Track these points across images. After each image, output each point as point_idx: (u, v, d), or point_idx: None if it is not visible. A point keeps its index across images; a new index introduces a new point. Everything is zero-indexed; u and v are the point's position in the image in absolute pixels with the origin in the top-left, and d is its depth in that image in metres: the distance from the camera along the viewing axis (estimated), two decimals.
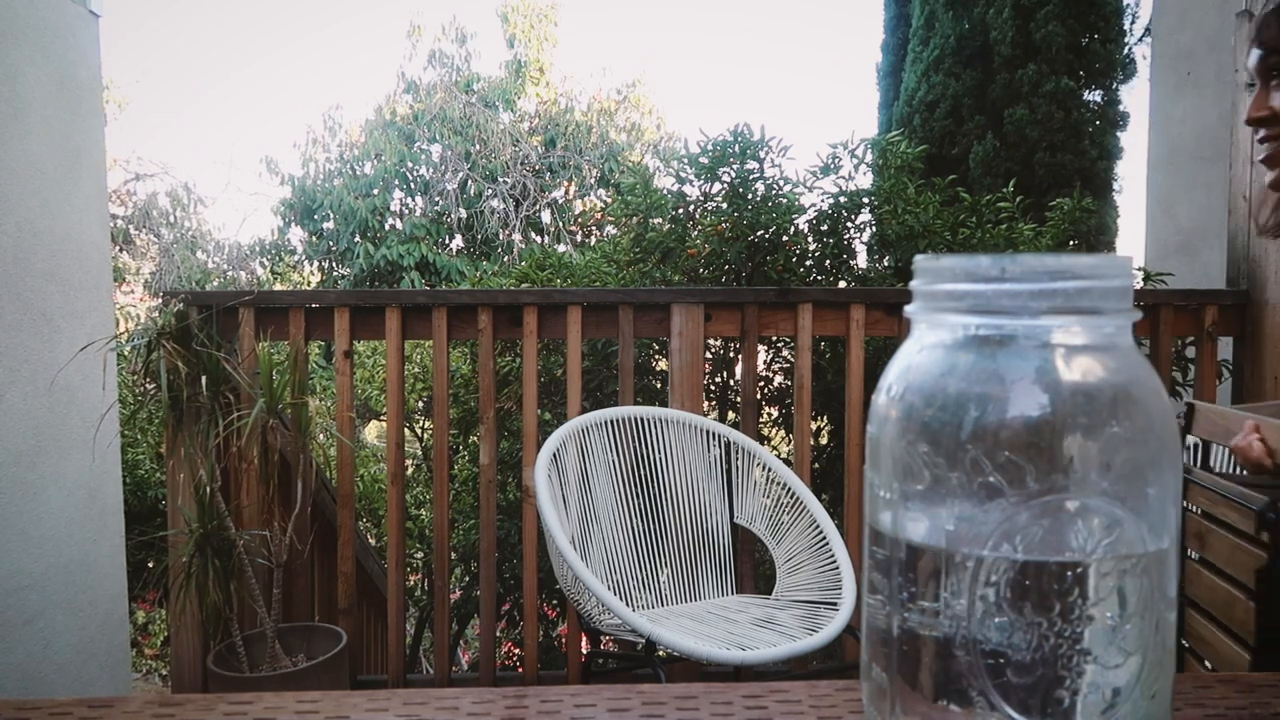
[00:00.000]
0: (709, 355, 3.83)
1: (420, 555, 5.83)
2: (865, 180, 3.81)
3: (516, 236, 11.10)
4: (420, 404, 6.09)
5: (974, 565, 0.40)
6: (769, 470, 2.46)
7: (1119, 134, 6.65)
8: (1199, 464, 1.91)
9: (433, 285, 10.18)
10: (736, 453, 2.49)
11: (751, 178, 3.63)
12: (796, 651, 1.90)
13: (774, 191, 3.65)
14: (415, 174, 11.23)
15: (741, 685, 0.58)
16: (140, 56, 27.33)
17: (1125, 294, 0.42)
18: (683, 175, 3.83)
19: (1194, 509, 1.72)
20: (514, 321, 2.70)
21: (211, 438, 2.42)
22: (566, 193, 11.38)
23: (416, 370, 5.85)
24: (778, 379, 4.10)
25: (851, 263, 3.84)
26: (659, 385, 3.95)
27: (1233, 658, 1.60)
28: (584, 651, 2.84)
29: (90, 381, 2.98)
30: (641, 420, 2.45)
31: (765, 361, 4.04)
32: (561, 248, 10.38)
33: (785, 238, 3.62)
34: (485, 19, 27.87)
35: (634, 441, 2.44)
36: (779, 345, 3.97)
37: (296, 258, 11.54)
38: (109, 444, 3.05)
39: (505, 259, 10.73)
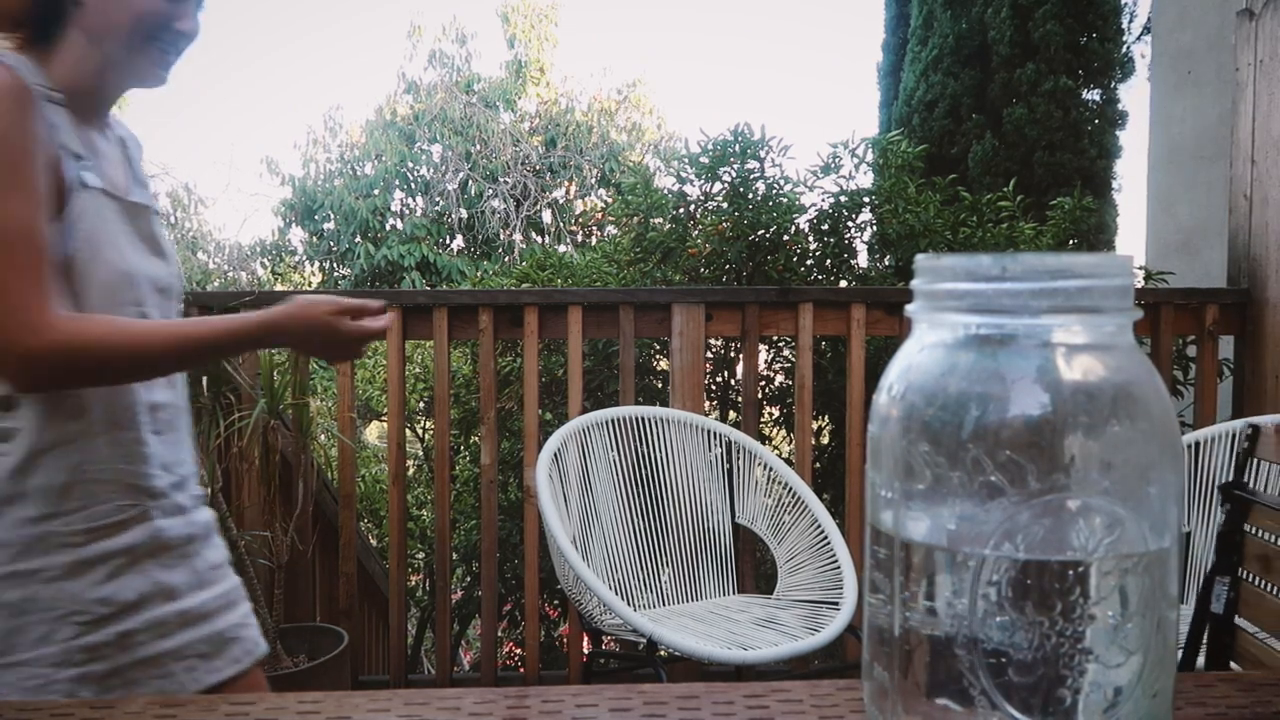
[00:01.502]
0: (710, 355, 3.83)
1: (421, 556, 5.83)
2: (866, 180, 3.81)
3: (517, 237, 11.10)
4: (421, 404, 6.10)
5: (975, 564, 0.40)
6: (770, 470, 2.46)
7: (1118, 133, 6.65)
8: (1260, 486, 1.87)
9: (433, 285, 10.18)
10: (737, 452, 2.49)
11: (752, 177, 3.63)
12: (798, 651, 1.90)
13: (774, 191, 3.65)
14: (416, 174, 11.23)
15: (743, 685, 0.58)
16: None
17: (1126, 293, 0.42)
18: (683, 175, 3.83)
19: (1253, 531, 1.69)
20: (515, 322, 2.70)
21: (212, 438, 2.42)
22: (567, 193, 11.38)
23: (417, 370, 5.86)
24: (779, 379, 4.10)
25: (852, 262, 3.84)
26: (660, 385, 3.95)
27: None
28: (585, 651, 2.84)
29: None
30: (642, 420, 2.46)
31: (766, 361, 4.04)
32: (562, 248, 10.38)
33: (786, 237, 3.62)
34: (485, 19, 27.87)
35: (635, 441, 2.44)
36: (780, 345, 3.97)
37: (297, 258, 11.55)
38: None
39: (506, 259, 10.73)
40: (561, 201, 11.30)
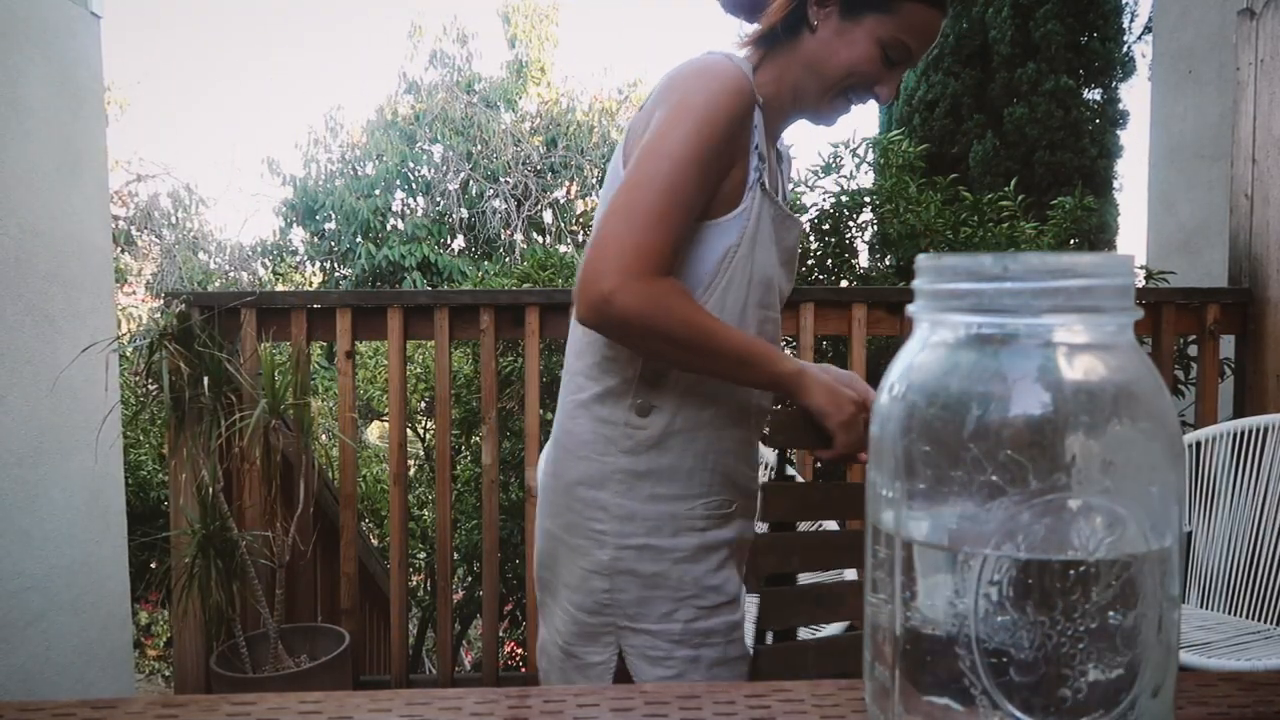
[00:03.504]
0: None
1: (423, 556, 5.84)
2: (867, 179, 3.81)
3: (518, 236, 11.10)
4: (422, 404, 6.10)
5: (976, 564, 0.40)
6: (771, 468, 2.46)
7: (1119, 132, 6.65)
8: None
9: (435, 286, 10.18)
10: None
11: None
12: None
13: None
14: (417, 174, 11.23)
15: (745, 684, 0.58)
16: (141, 57, 27.34)
17: (1127, 292, 0.42)
18: None
19: None
20: (516, 321, 2.70)
21: (214, 438, 2.42)
22: (568, 192, 11.38)
23: (418, 371, 5.86)
24: None
25: (853, 262, 3.84)
26: None
27: None
28: None
29: (92, 382, 2.98)
30: None
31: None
32: (563, 248, 10.37)
33: None
34: (486, 19, 27.86)
35: None
36: (781, 344, 3.97)
37: (298, 258, 11.55)
38: (111, 445, 3.05)
39: (507, 259, 10.73)
40: (563, 201, 11.30)
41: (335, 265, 11.18)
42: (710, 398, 1.14)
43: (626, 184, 1.05)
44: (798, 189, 3.66)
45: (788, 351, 3.97)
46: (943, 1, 1.13)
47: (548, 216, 11.37)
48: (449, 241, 11.30)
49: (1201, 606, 2.39)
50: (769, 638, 1.28)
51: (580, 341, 1.18)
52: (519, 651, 5.74)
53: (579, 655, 1.18)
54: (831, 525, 2.29)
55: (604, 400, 1.15)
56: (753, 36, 1.16)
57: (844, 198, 3.69)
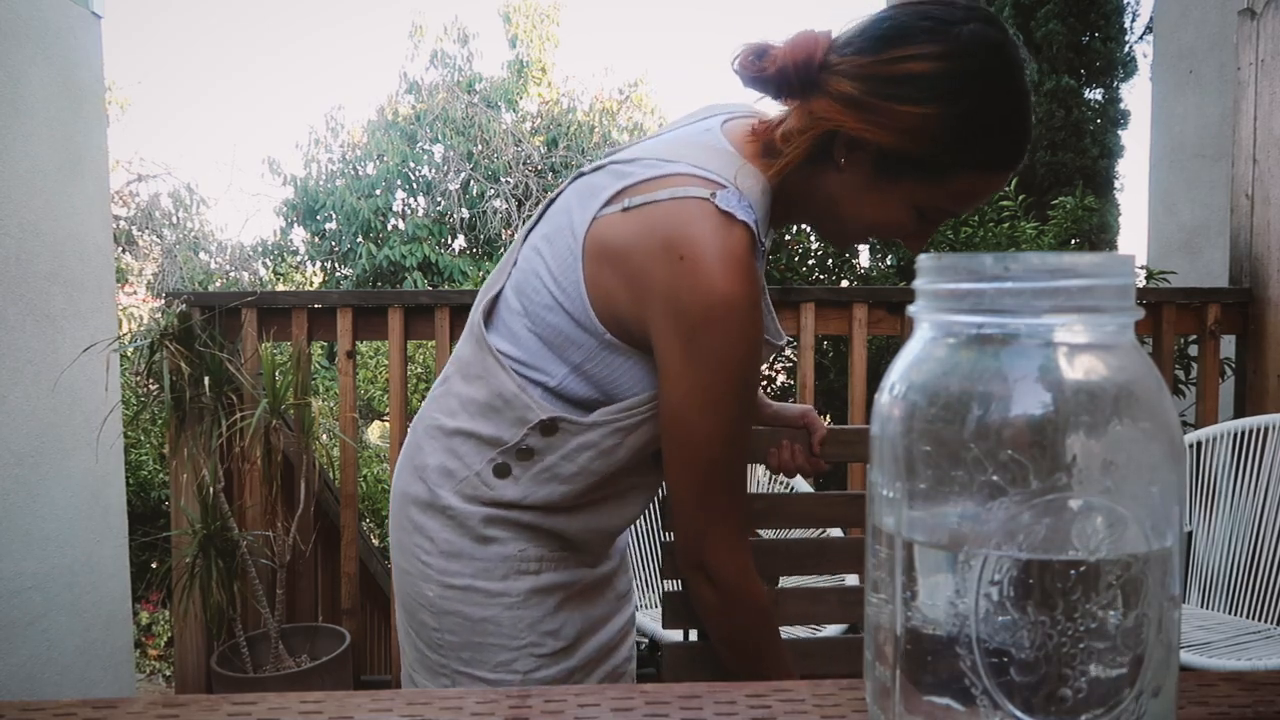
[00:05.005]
0: None
1: None
2: None
3: (519, 237, 11.09)
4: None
5: (977, 564, 0.40)
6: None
7: (1120, 132, 6.66)
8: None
9: (435, 286, 10.18)
10: None
11: None
12: None
13: None
14: (417, 174, 11.23)
15: (745, 684, 0.58)
16: (142, 57, 27.34)
17: (1127, 292, 0.42)
18: None
19: None
20: None
21: (214, 438, 2.42)
22: None
23: (419, 370, 5.86)
24: (780, 378, 4.10)
25: (854, 261, 3.84)
26: None
27: None
28: None
29: (93, 382, 2.98)
30: None
31: (768, 361, 4.03)
32: None
33: (788, 236, 3.62)
34: (487, 19, 27.86)
35: None
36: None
37: (299, 258, 11.55)
38: (112, 445, 3.05)
39: None
40: None
41: (336, 265, 11.18)
42: (578, 493, 1.04)
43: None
44: None
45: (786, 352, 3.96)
46: (1015, 158, 0.92)
47: None
48: (449, 241, 11.30)
49: (1201, 606, 2.39)
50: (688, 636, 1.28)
51: (474, 366, 1.04)
52: None
53: (419, 686, 1.11)
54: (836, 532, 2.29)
55: (469, 439, 1.03)
56: (774, 163, 0.97)
57: None
